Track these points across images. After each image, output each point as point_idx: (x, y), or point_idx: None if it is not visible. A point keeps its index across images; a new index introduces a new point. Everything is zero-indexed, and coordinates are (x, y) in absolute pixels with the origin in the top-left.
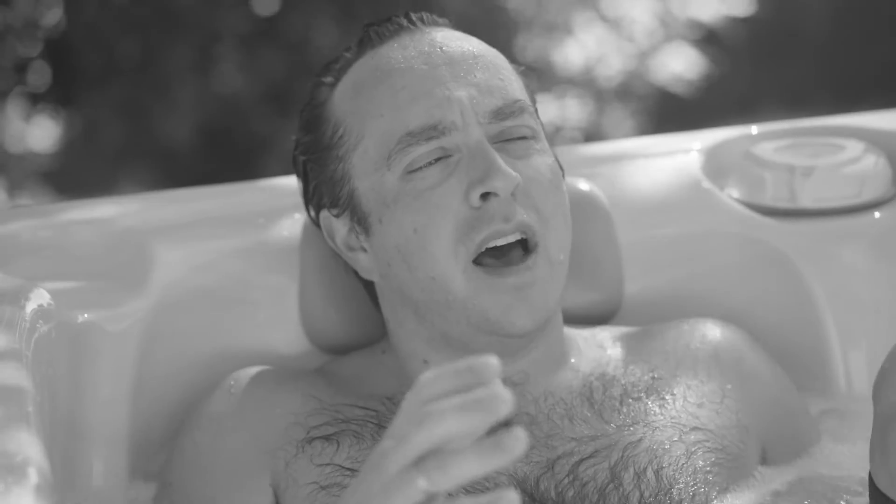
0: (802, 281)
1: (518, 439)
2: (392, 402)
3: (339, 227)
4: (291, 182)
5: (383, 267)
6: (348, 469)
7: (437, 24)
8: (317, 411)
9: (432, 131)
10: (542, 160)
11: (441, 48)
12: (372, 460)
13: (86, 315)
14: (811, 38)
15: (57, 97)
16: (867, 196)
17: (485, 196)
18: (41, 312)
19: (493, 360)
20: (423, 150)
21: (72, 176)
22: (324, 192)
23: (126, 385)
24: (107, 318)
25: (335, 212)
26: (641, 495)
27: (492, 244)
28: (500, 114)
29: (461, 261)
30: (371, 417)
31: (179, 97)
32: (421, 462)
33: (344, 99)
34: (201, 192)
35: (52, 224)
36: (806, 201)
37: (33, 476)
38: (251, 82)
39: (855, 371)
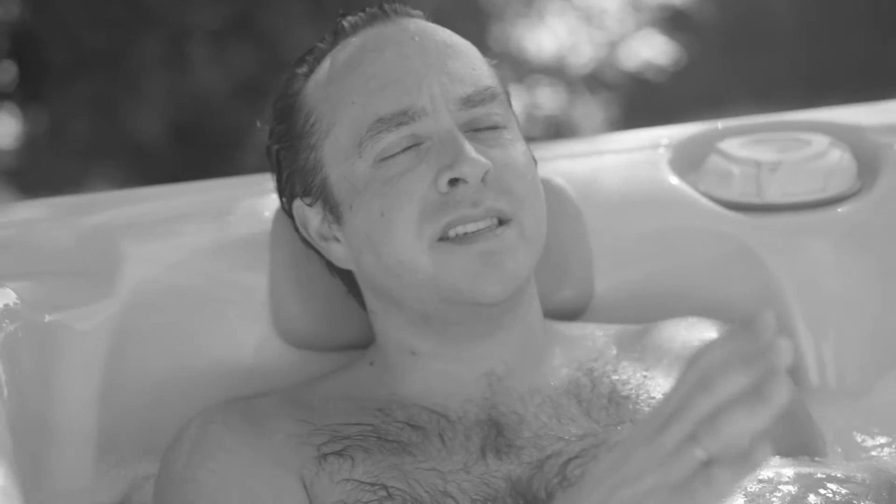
0: (770, 275)
1: (780, 385)
2: (385, 414)
3: (312, 216)
4: (262, 179)
5: (356, 255)
6: (368, 484)
7: (410, 15)
8: (314, 432)
9: (402, 117)
10: (514, 148)
11: (413, 37)
12: (636, 439)
13: (53, 314)
14: (780, 29)
15: (24, 93)
16: (833, 190)
17: (453, 182)
18: (7, 312)
19: (767, 317)
20: (393, 138)
21: (38, 174)
22: (297, 182)
23: (95, 384)
24: (75, 316)
25: (308, 201)
26: None
27: (461, 230)
28: (471, 101)
29: (426, 239)
30: (369, 432)
31: (150, 92)
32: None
33: (317, 88)
34: (170, 189)
35: (18, 221)
36: (772, 196)
37: (0, 477)
38: (222, 77)
39: (826, 365)
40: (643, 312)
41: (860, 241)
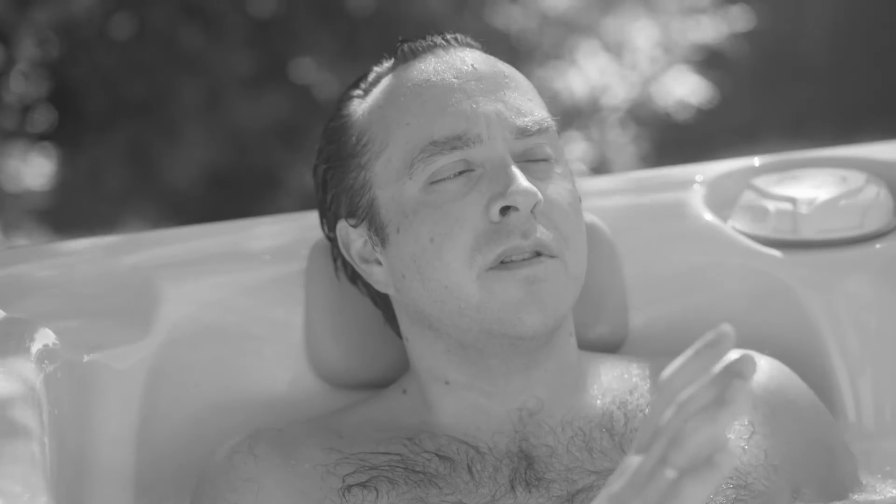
0: (806, 312)
1: (739, 388)
2: (414, 443)
3: (355, 237)
4: (296, 217)
5: (398, 279)
6: None
7: (469, 46)
8: (341, 461)
9: (457, 141)
10: (563, 184)
11: (473, 65)
12: (619, 472)
13: (91, 354)
14: (811, 63)
15: (62, 138)
16: (869, 227)
17: (504, 211)
18: (47, 352)
19: (725, 328)
20: (446, 161)
21: (72, 214)
22: (342, 202)
23: (132, 423)
24: (112, 356)
25: (353, 222)
26: None
27: (508, 259)
28: (526, 131)
29: (475, 269)
30: (397, 462)
31: (186, 139)
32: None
33: (372, 109)
34: (206, 228)
35: (57, 262)
36: (808, 233)
37: None
38: (258, 121)
39: (863, 402)
40: (678, 349)
41: None
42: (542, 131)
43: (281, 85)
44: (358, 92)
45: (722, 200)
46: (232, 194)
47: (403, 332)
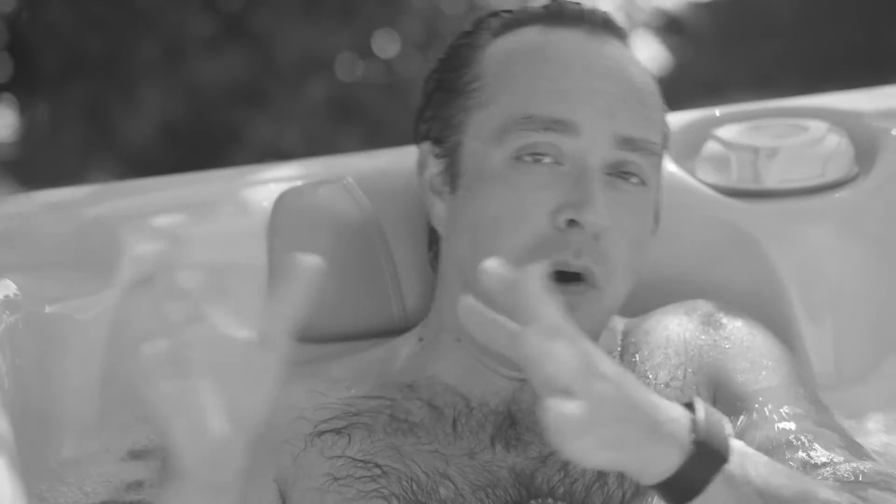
0: (768, 261)
1: None
2: (411, 390)
3: (432, 164)
4: (259, 169)
5: (451, 231)
6: (361, 461)
7: (616, 35)
8: (322, 406)
9: (553, 124)
10: (639, 218)
11: (606, 60)
12: None
13: (53, 305)
14: (777, 20)
15: (19, 90)
16: (831, 176)
17: (571, 222)
18: (7, 303)
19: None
20: (538, 139)
21: (36, 167)
22: (435, 126)
23: (96, 374)
24: (75, 307)
25: (436, 151)
26: (623, 495)
27: (554, 269)
28: (630, 144)
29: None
30: (384, 407)
31: (145, 97)
32: None
33: (496, 58)
34: (168, 180)
35: (18, 213)
36: (770, 182)
37: (3, 469)
38: (216, 78)
39: (824, 351)
40: (642, 300)
41: (858, 226)
42: (646, 153)
43: (240, 41)
44: (494, 24)
45: (684, 151)
46: (192, 151)
47: (439, 273)
